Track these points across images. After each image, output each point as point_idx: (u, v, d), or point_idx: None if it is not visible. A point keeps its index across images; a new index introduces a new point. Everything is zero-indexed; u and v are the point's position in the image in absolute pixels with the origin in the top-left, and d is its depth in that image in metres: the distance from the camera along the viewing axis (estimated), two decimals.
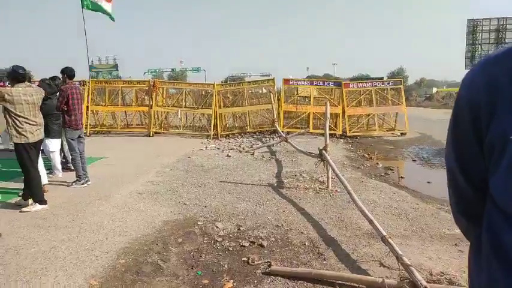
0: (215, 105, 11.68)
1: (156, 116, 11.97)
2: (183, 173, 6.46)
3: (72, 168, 6.23)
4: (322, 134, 10.84)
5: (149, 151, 8.79)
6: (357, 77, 46.47)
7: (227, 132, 11.74)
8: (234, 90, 12.89)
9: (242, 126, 12.35)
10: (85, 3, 11.72)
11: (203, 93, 12.61)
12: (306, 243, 3.57)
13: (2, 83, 10.87)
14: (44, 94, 4.56)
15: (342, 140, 10.85)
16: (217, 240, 3.67)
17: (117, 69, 52.17)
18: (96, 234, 3.80)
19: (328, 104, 5.72)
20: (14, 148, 4.30)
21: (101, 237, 3.71)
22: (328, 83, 12.54)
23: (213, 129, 11.40)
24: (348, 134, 11.31)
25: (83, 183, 5.55)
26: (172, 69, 55.04)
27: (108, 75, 47.92)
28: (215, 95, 11.77)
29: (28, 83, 4.33)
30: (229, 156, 7.96)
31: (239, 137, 11.12)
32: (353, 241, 3.60)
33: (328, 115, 5.66)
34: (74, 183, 5.52)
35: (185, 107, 12.07)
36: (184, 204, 4.78)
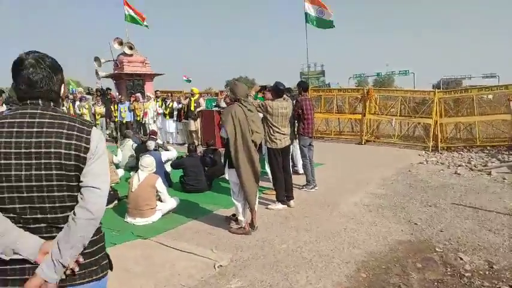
0: (435, 114, 10.65)
1: (368, 124, 11.93)
2: (406, 188, 6.16)
3: (300, 172, 6.93)
4: None
5: (364, 160, 8.82)
6: None
7: (448, 145, 10.52)
8: (459, 97, 11.41)
9: (467, 139, 10.82)
10: (310, 19, 12.76)
11: (420, 100, 11.73)
12: None
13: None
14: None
15: None
16: (464, 275, 3.30)
17: (324, 75, 54.93)
18: (332, 241, 4.06)
19: None
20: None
21: (337, 246, 3.94)
22: None
23: (432, 141, 10.44)
24: None
25: (311, 188, 6.08)
26: (378, 74, 53.52)
27: (316, 81, 51.00)
28: (436, 102, 10.73)
29: (285, 96, 5.08)
30: (458, 174, 7.08)
31: (464, 151, 9.76)
32: None
33: None
34: (304, 187, 6.11)
35: (400, 115, 11.51)
36: (415, 224, 4.53)
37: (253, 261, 3.59)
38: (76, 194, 1.42)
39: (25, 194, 1.35)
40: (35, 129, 1.37)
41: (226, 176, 4.33)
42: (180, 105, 11.37)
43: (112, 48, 14.95)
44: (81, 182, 1.42)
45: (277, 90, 5.02)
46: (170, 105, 11.71)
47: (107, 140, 11.87)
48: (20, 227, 1.36)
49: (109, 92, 13.34)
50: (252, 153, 4.09)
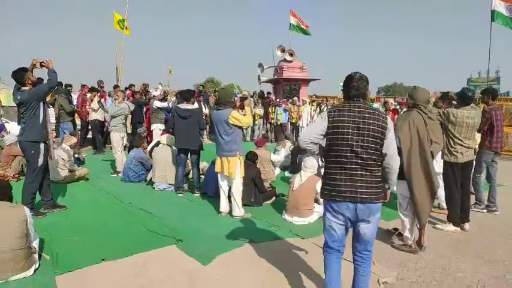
0: None
1: None
2: None
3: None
4: None
5: None
6: None
7: None
8: None
9: None
10: (498, 17, 10.99)
11: None
12: None
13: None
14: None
15: None
16: None
17: (499, 83, 46.56)
18: None
19: None
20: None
21: None
22: None
23: None
24: None
25: (483, 209, 5.20)
26: None
27: None
28: None
29: (473, 105, 4.43)
30: None
31: None
32: None
33: None
34: (473, 206, 5.18)
35: None
36: None
37: (424, 286, 3.20)
38: (378, 152, 2.45)
39: (354, 148, 2.42)
40: (361, 115, 2.45)
41: (394, 188, 4.00)
42: None
43: (274, 55, 15.96)
44: (383, 148, 2.46)
45: (464, 97, 4.39)
46: (324, 110, 11.73)
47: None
48: (346, 167, 2.45)
49: (269, 95, 14.27)
50: (429, 165, 3.67)
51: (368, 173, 2.44)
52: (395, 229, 4.32)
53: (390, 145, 2.46)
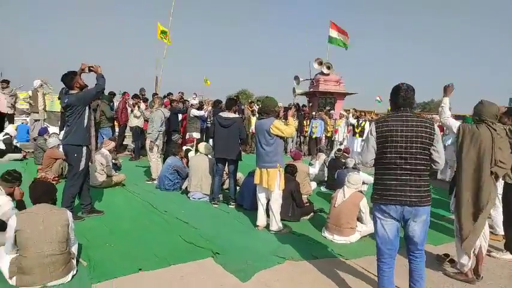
0: None
1: None
2: None
3: None
4: None
5: None
6: None
7: None
8: None
9: None
10: None
11: None
12: None
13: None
14: None
15: None
16: None
17: None
18: None
19: None
20: None
21: None
22: None
23: None
24: None
25: None
26: None
27: None
28: None
29: None
30: None
31: None
32: None
33: None
34: None
35: None
36: None
37: None
38: (427, 157, 2.65)
39: (403, 155, 2.62)
40: (409, 123, 2.66)
41: (452, 207, 3.71)
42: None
43: (311, 67, 15.74)
44: (431, 153, 2.67)
45: None
46: (362, 124, 11.40)
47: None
48: (396, 173, 2.64)
49: (304, 108, 14.06)
50: (481, 187, 3.35)
51: (417, 178, 2.63)
52: (447, 255, 4.00)
53: (438, 151, 2.66)
